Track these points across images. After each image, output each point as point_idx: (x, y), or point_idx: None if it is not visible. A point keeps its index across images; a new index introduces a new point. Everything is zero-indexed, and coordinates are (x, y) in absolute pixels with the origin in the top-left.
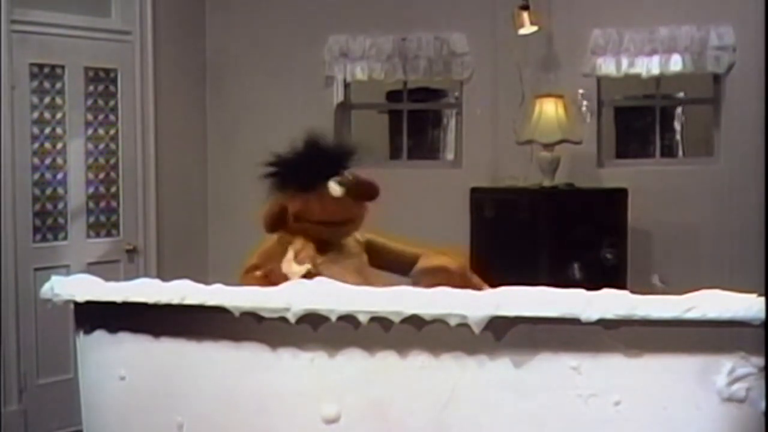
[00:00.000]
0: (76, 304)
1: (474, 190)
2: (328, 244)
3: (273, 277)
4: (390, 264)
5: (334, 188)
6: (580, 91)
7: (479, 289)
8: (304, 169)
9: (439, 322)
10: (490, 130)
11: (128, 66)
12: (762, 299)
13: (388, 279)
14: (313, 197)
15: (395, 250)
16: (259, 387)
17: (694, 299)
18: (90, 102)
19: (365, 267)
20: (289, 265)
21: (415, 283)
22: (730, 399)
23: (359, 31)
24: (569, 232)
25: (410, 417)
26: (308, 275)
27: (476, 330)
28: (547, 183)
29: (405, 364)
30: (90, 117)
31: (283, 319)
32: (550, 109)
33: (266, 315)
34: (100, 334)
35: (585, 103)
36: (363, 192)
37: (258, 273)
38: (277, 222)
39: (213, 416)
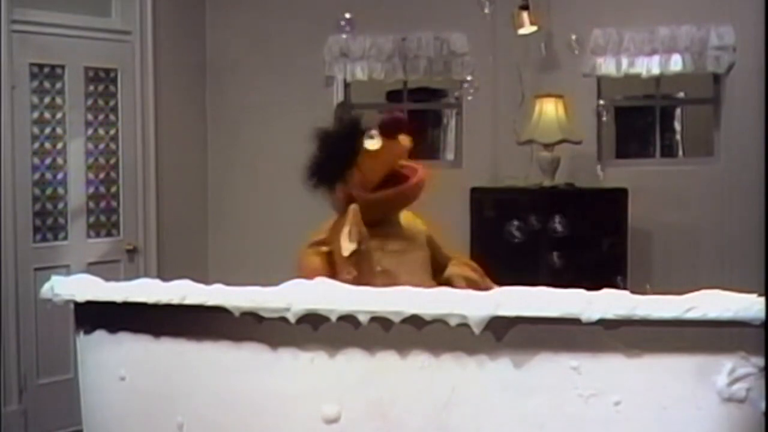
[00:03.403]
0: (76, 304)
1: (474, 190)
2: (392, 225)
3: (335, 256)
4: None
5: (369, 142)
6: (573, 36)
7: None
8: (334, 159)
9: (440, 322)
10: (490, 130)
11: (128, 66)
12: (762, 299)
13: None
14: (361, 164)
15: (440, 251)
16: (259, 387)
17: (694, 299)
18: (90, 102)
19: (427, 263)
20: (344, 239)
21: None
22: (730, 399)
23: (359, 31)
24: (569, 232)
25: (410, 417)
26: (357, 253)
27: (476, 330)
28: (547, 183)
29: (405, 364)
30: (90, 117)
31: (283, 319)
32: (550, 109)
33: (266, 315)
34: (100, 334)
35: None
36: (393, 124)
37: (324, 248)
38: (347, 203)
39: (213, 416)
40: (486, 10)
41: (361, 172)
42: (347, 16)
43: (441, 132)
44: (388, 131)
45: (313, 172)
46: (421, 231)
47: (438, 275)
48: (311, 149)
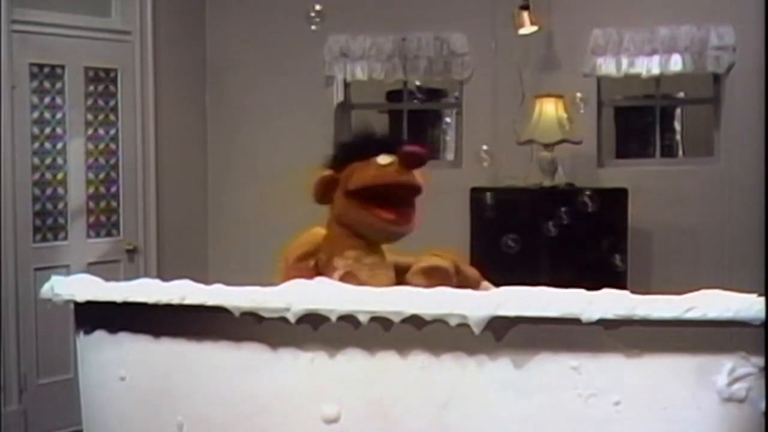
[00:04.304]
0: (76, 304)
1: (474, 190)
2: (371, 244)
3: (327, 272)
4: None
5: (383, 157)
6: (578, 94)
7: (475, 279)
8: (357, 148)
9: (440, 322)
10: (490, 130)
11: (128, 66)
12: (762, 299)
13: None
14: (362, 165)
15: (398, 261)
16: (259, 387)
17: (694, 299)
18: (90, 102)
19: (393, 280)
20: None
21: (412, 286)
22: (730, 399)
23: (359, 31)
24: (569, 232)
25: (410, 417)
26: (348, 275)
27: (476, 330)
28: (547, 183)
29: (405, 364)
30: (90, 117)
31: (283, 319)
32: (550, 109)
33: (266, 315)
34: (100, 334)
35: (581, 104)
36: (411, 152)
37: (311, 262)
38: (327, 190)
39: (213, 416)
40: None
41: (356, 168)
42: (318, 8)
43: (441, 132)
44: (404, 159)
45: (340, 149)
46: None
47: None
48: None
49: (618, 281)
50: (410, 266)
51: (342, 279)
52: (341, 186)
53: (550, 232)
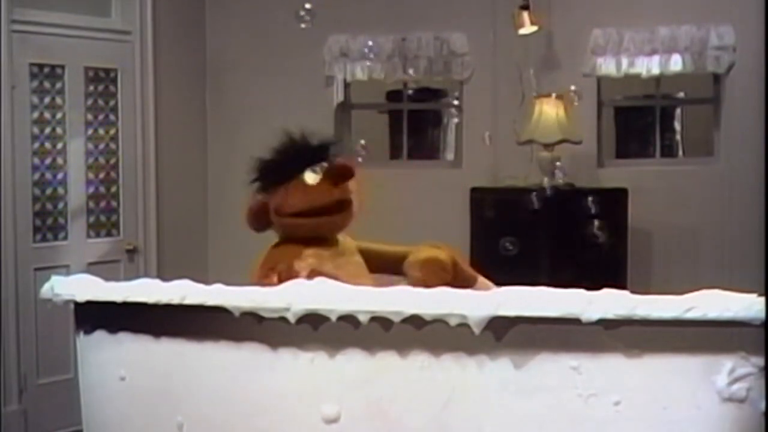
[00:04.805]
0: (76, 304)
1: (474, 190)
2: (323, 241)
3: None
4: (384, 265)
5: (309, 176)
6: (572, 87)
7: (472, 278)
8: (280, 165)
9: (440, 322)
10: (490, 130)
11: (128, 66)
12: (762, 299)
13: (388, 280)
14: (291, 188)
15: (387, 251)
16: (259, 387)
17: (694, 299)
18: (90, 102)
19: (362, 266)
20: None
21: (408, 276)
22: (730, 399)
23: (359, 31)
24: (569, 232)
25: (410, 417)
26: (313, 273)
27: (476, 330)
28: (547, 183)
29: (405, 364)
30: (90, 117)
31: (283, 319)
32: (550, 109)
33: (266, 315)
34: (100, 334)
35: (575, 97)
36: (338, 173)
37: (275, 274)
38: (259, 218)
39: (213, 416)
40: None
41: (286, 192)
42: (307, 6)
43: (441, 132)
44: (335, 175)
45: (261, 166)
46: (349, 241)
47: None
48: (275, 145)
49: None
50: (406, 256)
51: (309, 279)
52: (275, 210)
53: (550, 232)
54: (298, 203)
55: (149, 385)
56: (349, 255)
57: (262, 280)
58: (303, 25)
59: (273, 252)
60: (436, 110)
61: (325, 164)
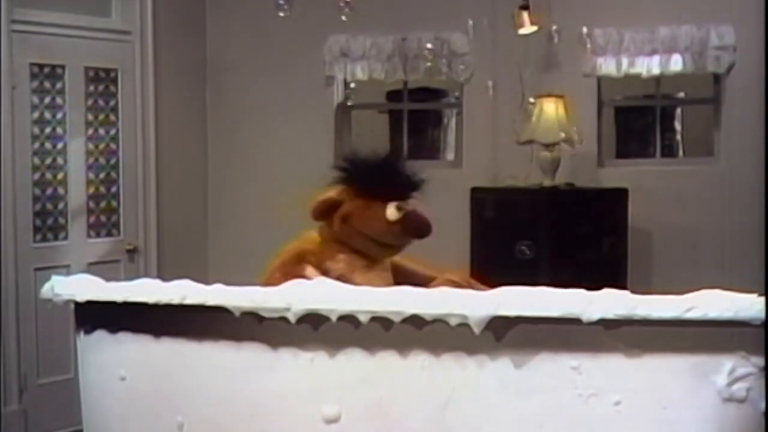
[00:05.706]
0: (77, 304)
1: (474, 190)
2: (363, 254)
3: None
4: (411, 284)
5: (392, 212)
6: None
7: None
8: (376, 178)
9: (440, 322)
10: (490, 130)
11: (128, 66)
12: (762, 299)
13: None
14: (371, 208)
15: (417, 271)
16: (259, 387)
17: (694, 299)
18: (90, 102)
19: (391, 280)
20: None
21: None
22: (730, 399)
23: (359, 31)
24: (569, 232)
25: (410, 417)
26: (341, 279)
27: (476, 330)
28: (547, 183)
29: (405, 364)
30: (90, 117)
31: (284, 319)
32: (550, 109)
33: (266, 315)
34: (100, 334)
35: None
36: (415, 227)
37: (310, 269)
38: (327, 212)
39: (213, 416)
40: None
41: (365, 210)
42: None
43: (441, 132)
44: (412, 227)
45: (359, 165)
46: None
47: None
48: (379, 154)
49: (617, 281)
50: (434, 278)
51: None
52: (342, 211)
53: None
54: (368, 228)
55: (149, 385)
56: (380, 269)
57: (295, 265)
58: (281, 14)
59: (309, 242)
60: (436, 110)
61: (409, 207)
